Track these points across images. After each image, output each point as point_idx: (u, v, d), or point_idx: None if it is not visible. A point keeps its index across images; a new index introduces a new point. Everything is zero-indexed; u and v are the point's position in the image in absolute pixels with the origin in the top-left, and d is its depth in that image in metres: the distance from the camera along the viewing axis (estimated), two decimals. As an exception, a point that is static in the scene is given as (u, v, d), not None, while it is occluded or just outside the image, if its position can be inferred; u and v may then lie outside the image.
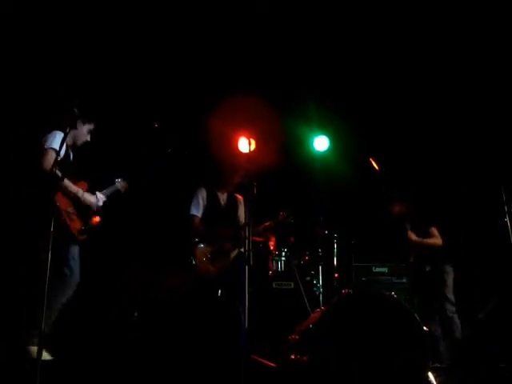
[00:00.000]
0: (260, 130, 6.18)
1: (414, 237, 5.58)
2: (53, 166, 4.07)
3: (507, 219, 4.55)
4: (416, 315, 3.85)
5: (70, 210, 4.44)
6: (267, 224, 5.69)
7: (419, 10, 5.77)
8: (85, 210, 4.56)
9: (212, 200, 5.61)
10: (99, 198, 4.71)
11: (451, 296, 5.43)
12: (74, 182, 4.56)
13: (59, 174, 4.25)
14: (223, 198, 5.71)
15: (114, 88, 5.91)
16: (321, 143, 6.73)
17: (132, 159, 5.41)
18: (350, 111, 6.65)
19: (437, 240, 5.65)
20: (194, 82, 6.27)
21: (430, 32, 5.95)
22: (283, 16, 5.87)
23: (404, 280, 5.74)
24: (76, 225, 4.46)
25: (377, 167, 5.64)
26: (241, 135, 6.31)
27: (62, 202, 4.37)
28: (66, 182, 4.39)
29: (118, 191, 4.89)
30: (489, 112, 6.27)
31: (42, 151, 4.36)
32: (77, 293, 4.40)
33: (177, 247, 5.87)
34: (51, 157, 4.29)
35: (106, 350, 3.90)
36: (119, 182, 4.89)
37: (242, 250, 5.28)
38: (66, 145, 4.53)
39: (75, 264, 4.45)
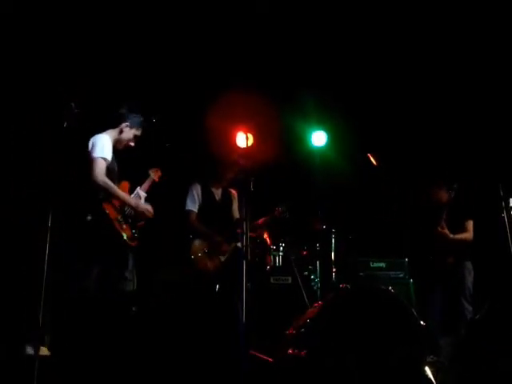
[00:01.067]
0: (258, 125, 6.18)
1: (445, 231, 5.29)
2: (105, 175, 4.17)
3: (504, 215, 4.56)
4: (413, 310, 3.86)
5: (119, 218, 4.41)
6: (263, 220, 5.70)
7: (416, 5, 5.76)
8: (130, 216, 4.54)
9: (207, 195, 5.59)
10: (141, 195, 4.71)
11: (470, 295, 5.26)
12: (118, 184, 4.54)
13: (113, 184, 4.27)
14: (218, 193, 5.68)
15: (111, 83, 5.89)
16: (319, 138, 6.73)
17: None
18: (348, 106, 6.65)
19: (469, 235, 5.45)
20: (191, 78, 6.26)
21: (429, 27, 5.95)
22: (282, 12, 5.85)
23: (401, 275, 5.74)
24: (127, 232, 4.44)
25: (375, 162, 5.64)
26: (238, 130, 6.31)
27: (111, 212, 4.34)
28: (121, 193, 4.37)
29: (153, 181, 4.87)
30: (487, 107, 6.27)
31: (91, 160, 4.26)
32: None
33: (173, 243, 5.86)
34: (102, 166, 4.25)
35: (104, 345, 3.91)
36: (152, 171, 4.88)
37: (239, 244, 5.31)
38: (112, 146, 4.50)
39: (132, 266, 4.51)
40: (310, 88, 6.52)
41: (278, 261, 5.91)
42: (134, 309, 4.41)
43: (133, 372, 3.76)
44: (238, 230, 5.13)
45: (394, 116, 6.70)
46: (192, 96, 6.36)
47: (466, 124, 6.38)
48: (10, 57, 5.26)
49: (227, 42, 6.12)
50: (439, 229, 5.26)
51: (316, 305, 4.42)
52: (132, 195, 4.69)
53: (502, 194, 4.65)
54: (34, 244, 4.13)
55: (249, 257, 4.15)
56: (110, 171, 4.39)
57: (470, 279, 5.33)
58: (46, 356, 3.87)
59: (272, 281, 5.70)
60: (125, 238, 4.38)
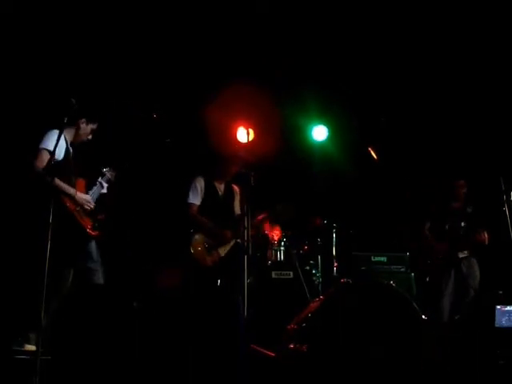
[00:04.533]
0: (259, 120, 6.17)
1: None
2: (45, 166, 4.12)
3: (506, 208, 4.56)
4: (415, 304, 3.87)
5: (78, 208, 4.47)
6: (262, 216, 5.70)
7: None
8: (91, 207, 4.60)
9: (210, 190, 5.58)
10: (104, 185, 4.73)
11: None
12: (74, 181, 4.56)
13: (51, 175, 4.22)
14: (220, 188, 5.67)
15: (112, 78, 5.88)
16: (320, 133, 6.73)
17: (129, 150, 5.39)
18: (348, 100, 6.64)
19: None
20: (192, 73, 6.25)
21: (429, 20, 5.93)
22: (282, 6, 5.84)
23: (402, 269, 5.72)
24: (87, 222, 4.51)
25: (375, 156, 5.64)
26: (239, 125, 6.30)
27: (69, 203, 4.40)
28: (58, 182, 4.33)
29: (109, 180, 4.86)
30: (487, 101, 6.26)
31: (36, 151, 4.33)
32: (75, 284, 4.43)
33: (174, 237, 5.85)
34: (44, 157, 4.27)
35: (105, 340, 3.92)
36: (108, 171, 4.86)
37: (239, 240, 5.31)
38: (66, 142, 4.52)
39: (97, 257, 4.56)
40: (310, 82, 6.51)
41: (280, 255, 5.90)
42: (135, 304, 4.41)
43: (133, 370, 3.76)
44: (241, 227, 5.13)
45: (395, 110, 6.68)
46: (193, 91, 6.35)
47: (467, 118, 6.36)
48: (10, 54, 5.27)
49: (228, 37, 6.10)
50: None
51: (317, 299, 4.43)
52: (93, 188, 4.71)
53: (503, 187, 4.66)
54: (35, 242, 4.13)
55: (250, 252, 4.15)
56: (62, 166, 4.39)
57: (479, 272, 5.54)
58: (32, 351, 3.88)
59: (273, 275, 5.68)
60: (85, 227, 4.46)
